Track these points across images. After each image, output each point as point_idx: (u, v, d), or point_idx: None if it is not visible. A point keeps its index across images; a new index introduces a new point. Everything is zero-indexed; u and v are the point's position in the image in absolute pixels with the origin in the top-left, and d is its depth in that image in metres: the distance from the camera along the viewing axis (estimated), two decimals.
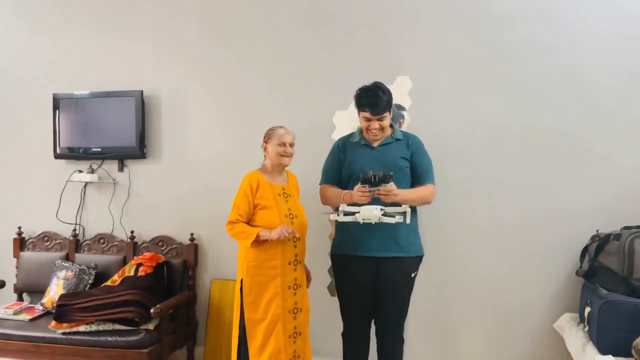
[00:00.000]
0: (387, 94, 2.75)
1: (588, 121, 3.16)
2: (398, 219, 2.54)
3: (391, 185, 2.57)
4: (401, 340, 2.87)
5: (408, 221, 2.58)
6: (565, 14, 3.18)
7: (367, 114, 2.73)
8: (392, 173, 2.57)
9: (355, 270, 2.78)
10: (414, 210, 2.81)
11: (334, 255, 2.91)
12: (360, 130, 2.89)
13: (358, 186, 2.61)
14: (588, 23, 3.16)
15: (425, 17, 3.35)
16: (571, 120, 3.18)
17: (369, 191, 2.57)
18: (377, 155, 2.79)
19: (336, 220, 2.74)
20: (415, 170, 2.81)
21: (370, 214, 2.54)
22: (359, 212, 2.56)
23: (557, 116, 3.20)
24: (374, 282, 2.77)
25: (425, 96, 3.32)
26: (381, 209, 2.55)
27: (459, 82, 3.31)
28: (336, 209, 2.72)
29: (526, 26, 3.22)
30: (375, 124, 2.74)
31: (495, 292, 3.29)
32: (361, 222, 2.58)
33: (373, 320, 2.88)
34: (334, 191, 2.86)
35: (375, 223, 2.56)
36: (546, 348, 3.24)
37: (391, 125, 2.88)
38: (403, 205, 2.60)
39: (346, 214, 2.62)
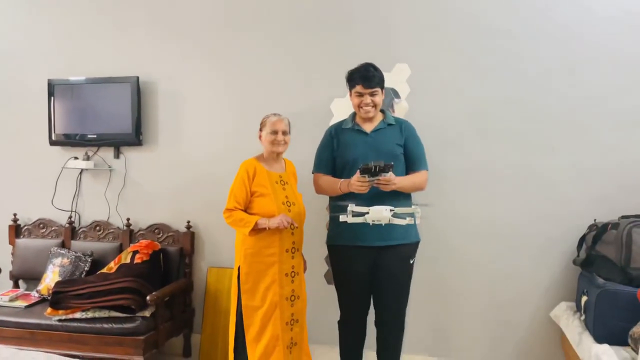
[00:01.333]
0: (379, 71, 2.76)
1: (586, 111, 3.15)
2: (409, 220, 2.53)
3: (390, 175, 2.56)
4: (401, 329, 2.88)
5: (418, 222, 2.58)
6: (565, 2, 3.15)
7: (359, 88, 2.73)
8: (392, 163, 2.54)
9: (353, 260, 2.77)
10: (409, 196, 2.82)
11: (330, 246, 2.90)
12: (353, 116, 2.87)
13: (357, 176, 2.59)
14: (587, 11, 3.13)
15: (425, 4, 3.32)
16: (569, 110, 3.17)
17: (368, 181, 2.56)
18: (372, 142, 2.77)
19: (329, 211, 2.73)
20: (409, 156, 2.80)
21: (380, 215, 2.51)
22: (368, 214, 2.53)
23: (555, 106, 3.18)
24: (371, 271, 2.77)
25: (424, 84, 3.30)
26: (391, 210, 2.53)
27: (457, 71, 3.29)
28: (330, 206, 2.67)
29: (525, 15, 3.20)
30: (367, 99, 2.73)
31: (492, 281, 3.29)
32: (371, 224, 2.56)
33: (372, 309, 2.87)
34: (328, 180, 2.83)
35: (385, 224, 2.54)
36: (543, 337, 3.25)
37: (383, 111, 2.87)
38: (413, 206, 2.60)
39: (355, 214, 2.57)
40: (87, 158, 3.83)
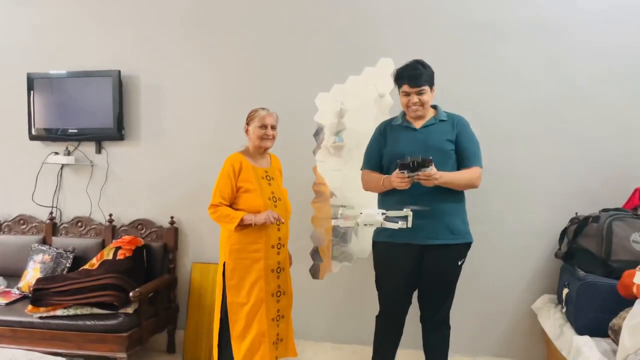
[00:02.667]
0: (428, 68, 2.67)
1: (567, 104, 3.18)
2: (401, 224, 2.45)
3: (431, 169, 2.45)
4: (446, 329, 2.81)
5: (409, 225, 2.46)
6: None
7: (405, 88, 2.64)
8: (431, 157, 2.44)
9: (396, 257, 2.69)
10: (460, 194, 2.72)
11: (374, 242, 2.80)
12: (403, 113, 2.77)
13: (396, 172, 2.50)
14: (571, 5, 3.16)
15: None
16: (551, 103, 3.20)
17: (408, 177, 2.47)
18: (421, 138, 2.67)
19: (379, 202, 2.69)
20: (461, 152, 2.68)
21: (372, 219, 2.46)
22: (360, 217, 2.48)
23: (537, 99, 3.21)
24: (417, 269, 2.69)
25: None
26: (383, 213, 2.47)
27: (441, 64, 3.26)
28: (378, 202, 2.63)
29: (509, 9, 3.22)
30: (415, 98, 2.63)
31: (474, 273, 3.30)
32: (363, 227, 2.51)
33: (418, 306, 2.83)
34: (374, 177, 2.75)
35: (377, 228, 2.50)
36: (525, 329, 3.29)
37: (435, 107, 2.77)
38: (405, 209, 2.48)
39: (347, 218, 2.52)
40: (68, 153, 3.78)
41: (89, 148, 3.79)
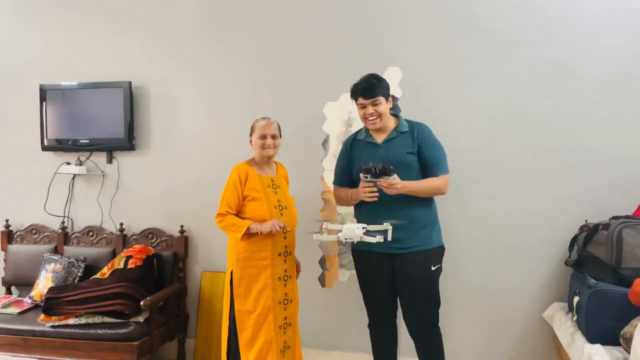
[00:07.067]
0: (381, 80, 2.72)
1: (578, 112, 3.17)
2: (379, 238, 2.46)
3: (394, 178, 2.52)
4: (435, 337, 2.76)
5: (389, 239, 2.47)
6: (559, 6, 3.18)
7: (360, 100, 2.70)
8: (391, 167, 2.51)
9: (371, 265, 2.74)
10: (429, 201, 2.75)
11: (352, 250, 2.87)
12: (366, 128, 2.81)
13: (361, 182, 2.58)
14: (580, 15, 3.16)
15: (416, 7, 3.34)
16: (561, 112, 3.19)
17: (370, 182, 2.53)
18: (383, 154, 2.70)
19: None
20: (425, 162, 2.71)
21: (352, 233, 2.48)
22: (341, 232, 2.50)
23: (548, 108, 3.20)
24: (392, 277, 2.72)
25: (416, 87, 3.30)
26: (363, 227, 2.50)
27: (449, 73, 3.30)
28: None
29: (518, 18, 3.22)
30: (370, 109, 2.67)
31: (484, 282, 3.30)
32: (343, 241, 2.55)
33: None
34: (342, 191, 2.81)
35: (357, 242, 2.51)
36: (535, 337, 3.26)
37: (397, 116, 2.81)
38: (385, 224, 2.50)
39: (329, 233, 2.57)
40: (80, 163, 3.82)
41: (100, 158, 3.84)
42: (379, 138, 2.76)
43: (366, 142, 2.78)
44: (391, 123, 2.77)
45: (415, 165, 2.70)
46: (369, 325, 2.90)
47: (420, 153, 2.71)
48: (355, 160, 2.79)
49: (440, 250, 2.76)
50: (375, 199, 2.58)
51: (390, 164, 2.56)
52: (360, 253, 2.79)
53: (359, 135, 2.85)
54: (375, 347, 2.91)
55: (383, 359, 2.90)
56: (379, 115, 2.69)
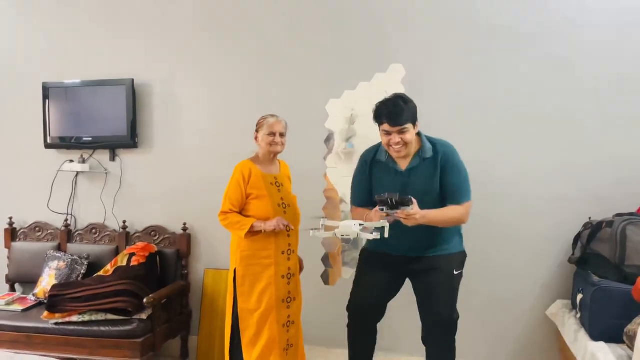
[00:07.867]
0: (408, 102, 2.47)
1: (582, 110, 3.16)
2: (375, 235, 2.36)
3: (412, 209, 2.34)
4: (453, 328, 2.65)
5: (386, 236, 2.36)
6: (563, 4, 3.17)
7: (385, 126, 2.45)
8: (410, 197, 2.33)
9: (385, 262, 2.64)
10: (448, 230, 2.61)
11: (364, 250, 2.77)
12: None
13: (376, 209, 2.40)
14: (582, 10, 3.14)
15: (419, 4, 3.33)
16: (564, 108, 3.18)
17: (387, 214, 2.37)
18: (405, 182, 2.52)
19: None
20: (446, 187, 2.51)
21: (349, 230, 2.39)
22: (338, 228, 2.43)
23: (551, 104, 3.19)
24: (402, 279, 2.66)
25: (419, 84, 3.29)
26: (360, 224, 2.40)
27: (452, 70, 3.29)
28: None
29: (521, 14, 3.21)
30: (396, 138, 2.44)
31: (488, 280, 3.29)
32: (340, 238, 2.51)
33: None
34: (359, 213, 2.62)
35: (354, 239, 2.49)
36: (539, 335, 3.26)
37: (419, 135, 2.58)
38: (381, 220, 2.37)
39: (327, 230, 2.49)
40: (83, 161, 3.83)
41: (103, 156, 3.84)
42: (402, 164, 2.57)
43: (388, 166, 2.59)
44: (413, 147, 2.55)
45: (437, 193, 2.53)
46: (349, 325, 2.76)
47: (442, 177, 2.52)
48: (376, 183, 2.62)
49: (462, 255, 2.68)
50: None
51: (413, 194, 2.38)
52: (373, 253, 2.68)
53: (379, 155, 2.64)
54: (353, 346, 2.79)
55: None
56: (406, 144, 2.47)
